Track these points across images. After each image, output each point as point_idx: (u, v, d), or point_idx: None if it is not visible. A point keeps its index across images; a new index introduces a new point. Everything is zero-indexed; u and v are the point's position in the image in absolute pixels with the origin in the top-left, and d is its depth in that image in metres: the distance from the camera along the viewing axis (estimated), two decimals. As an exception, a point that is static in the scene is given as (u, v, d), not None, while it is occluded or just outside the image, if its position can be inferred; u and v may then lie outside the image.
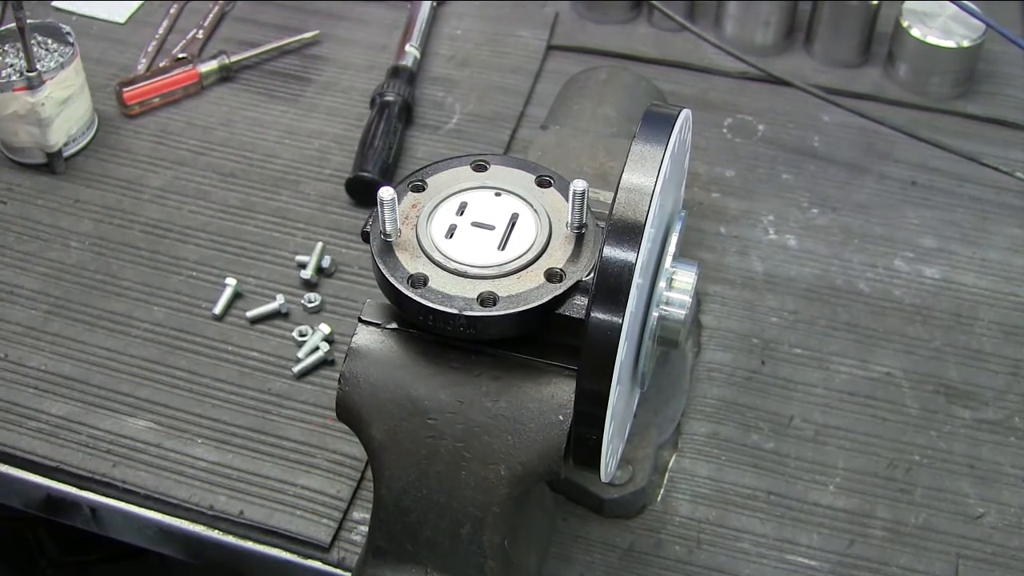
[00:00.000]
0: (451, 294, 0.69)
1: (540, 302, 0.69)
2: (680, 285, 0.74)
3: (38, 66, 1.10)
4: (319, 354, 0.99)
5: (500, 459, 0.69)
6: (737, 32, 1.30)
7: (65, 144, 1.15)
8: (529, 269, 0.71)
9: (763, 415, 0.96)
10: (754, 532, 0.89)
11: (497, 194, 0.75)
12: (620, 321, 0.63)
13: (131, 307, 1.04)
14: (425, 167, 0.78)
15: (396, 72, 1.23)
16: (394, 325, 0.73)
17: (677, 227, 0.74)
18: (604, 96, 1.05)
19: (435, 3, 1.35)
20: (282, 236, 1.10)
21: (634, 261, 0.62)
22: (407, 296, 0.69)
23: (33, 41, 1.13)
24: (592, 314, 0.63)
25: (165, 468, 0.92)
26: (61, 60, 1.13)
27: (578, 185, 0.70)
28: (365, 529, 0.88)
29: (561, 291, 0.69)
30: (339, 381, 0.72)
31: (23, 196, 1.14)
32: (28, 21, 1.06)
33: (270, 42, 1.30)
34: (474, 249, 0.72)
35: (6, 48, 1.16)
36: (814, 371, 1.00)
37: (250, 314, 1.02)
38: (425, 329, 0.70)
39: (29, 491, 0.93)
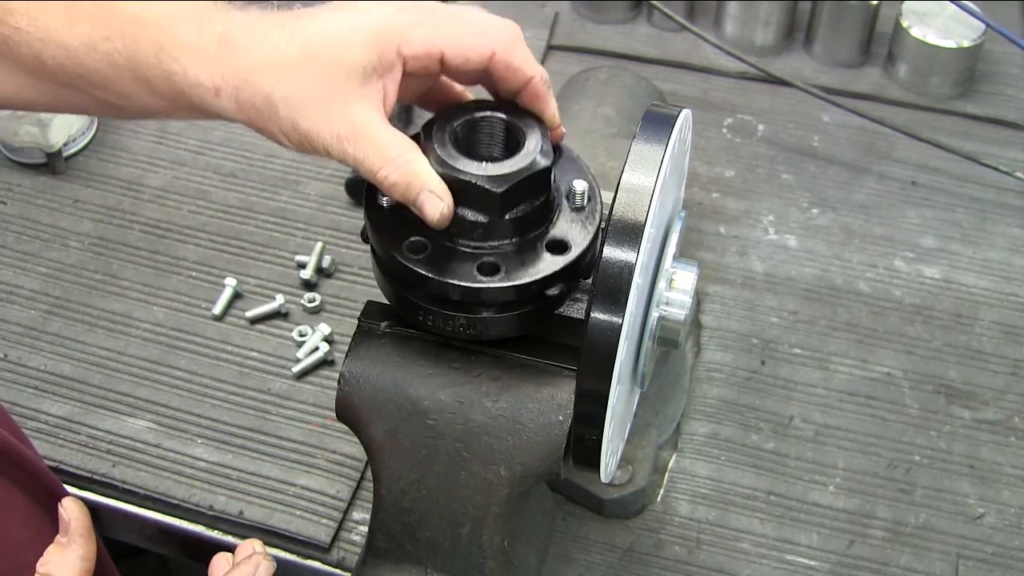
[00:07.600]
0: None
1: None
2: (680, 285, 0.74)
3: (38, 66, 1.10)
4: (319, 354, 0.99)
5: (500, 459, 0.69)
6: (737, 32, 1.30)
7: (65, 144, 1.15)
8: (529, 269, 0.71)
9: (763, 415, 0.96)
10: (754, 532, 0.89)
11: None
12: (620, 321, 0.63)
13: (131, 307, 1.04)
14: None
15: (396, 72, 1.23)
16: (394, 325, 0.73)
17: (677, 227, 0.74)
18: (604, 96, 1.05)
19: (435, 3, 1.35)
20: (282, 236, 1.10)
21: (634, 261, 0.62)
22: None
23: (33, 41, 1.12)
24: (592, 314, 0.63)
25: (165, 468, 0.92)
26: (61, 60, 1.13)
27: (578, 185, 0.70)
28: (365, 529, 0.88)
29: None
30: (339, 381, 0.72)
31: (23, 196, 1.14)
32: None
33: (270, 42, 1.30)
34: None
35: (6, 48, 1.16)
36: (814, 371, 1.00)
37: (250, 314, 1.02)
38: (425, 329, 0.70)
39: (29, 491, 0.93)
